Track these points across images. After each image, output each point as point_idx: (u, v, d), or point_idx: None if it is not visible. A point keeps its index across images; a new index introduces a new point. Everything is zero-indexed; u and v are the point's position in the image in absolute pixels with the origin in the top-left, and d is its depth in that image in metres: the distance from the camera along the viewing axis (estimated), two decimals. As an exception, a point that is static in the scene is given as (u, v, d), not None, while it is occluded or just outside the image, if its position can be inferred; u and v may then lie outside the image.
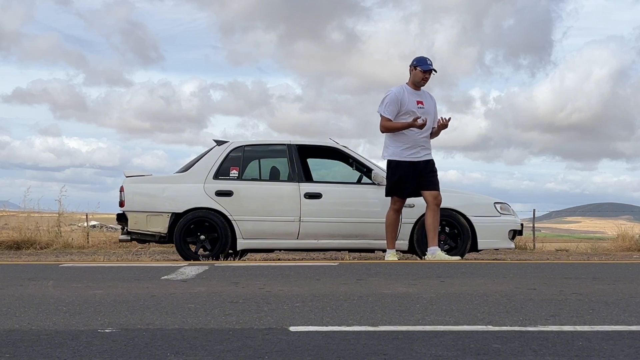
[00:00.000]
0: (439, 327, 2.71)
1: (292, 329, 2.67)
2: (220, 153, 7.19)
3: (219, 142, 7.33)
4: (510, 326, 2.73)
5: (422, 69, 6.44)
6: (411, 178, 6.43)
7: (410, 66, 6.51)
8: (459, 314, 3.01)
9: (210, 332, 2.62)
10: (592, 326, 2.74)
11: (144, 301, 3.43)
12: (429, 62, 6.47)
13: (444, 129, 6.60)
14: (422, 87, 6.55)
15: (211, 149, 7.33)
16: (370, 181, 7.16)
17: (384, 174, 7.19)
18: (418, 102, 6.46)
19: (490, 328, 2.69)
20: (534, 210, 16.27)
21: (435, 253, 6.34)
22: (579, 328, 2.70)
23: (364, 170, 7.30)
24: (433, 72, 6.49)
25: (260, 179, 7.25)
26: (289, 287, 3.98)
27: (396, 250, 6.69)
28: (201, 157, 7.31)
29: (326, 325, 2.74)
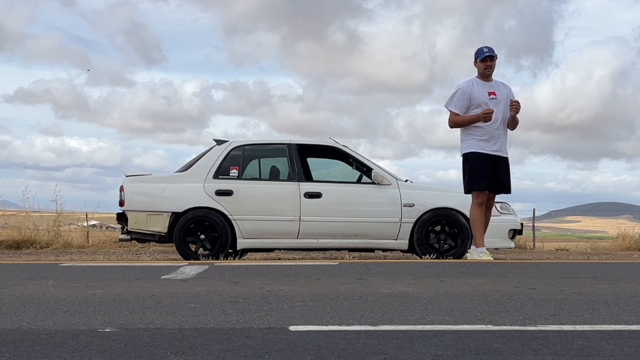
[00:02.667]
0: (438, 326, 2.71)
1: (292, 328, 2.67)
2: (220, 152, 7.19)
3: (219, 142, 7.33)
4: (510, 326, 2.73)
5: (480, 59, 6.33)
6: (488, 169, 6.25)
7: (474, 62, 6.41)
8: (458, 314, 3.01)
9: (210, 331, 2.62)
10: (592, 326, 2.74)
11: (144, 301, 3.43)
12: (485, 50, 6.33)
13: (516, 112, 6.29)
14: (493, 77, 6.39)
15: (211, 148, 7.33)
16: (370, 181, 7.17)
17: (384, 174, 7.19)
18: (490, 94, 6.29)
19: (490, 327, 2.69)
20: (534, 209, 16.28)
21: (480, 253, 6.28)
22: (579, 327, 2.70)
23: (364, 169, 7.30)
24: (494, 57, 6.32)
25: (260, 179, 7.25)
26: (289, 287, 3.98)
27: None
28: (201, 157, 7.30)
29: (326, 325, 2.74)
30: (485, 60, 6.31)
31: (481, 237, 6.30)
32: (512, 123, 6.41)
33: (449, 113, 6.41)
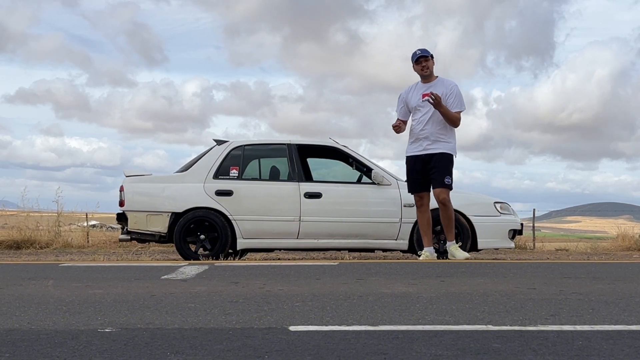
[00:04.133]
0: (438, 326, 2.71)
1: (292, 328, 2.66)
2: (220, 152, 7.19)
3: (219, 142, 7.33)
4: (510, 326, 2.73)
5: (414, 62, 6.39)
6: (417, 172, 6.36)
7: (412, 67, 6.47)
8: (458, 314, 3.01)
9: (210, 331, 2.62)
10: (592, 326, 2.74)
11: (144, 301, 3.43)
12: (417, 52, 6.38)
13: (437, 106, 6.15)
14: (434, 76, 6.40)
15: (211, 148, 7.33)
16: (370, 181, 7.17)
17: (384, 174, 7.20)
18: (424, 95, 6.31)
19: (490, 328, 2.69)
20: (534, 209, 16.29)
21: (427, 252, 6.36)
22: (578, 327, 2.70)
23: (364, 169, 7.30)
24: (428, 57, 6.33)
25: (260, 179, 7.25)
26: (288, 287, 3.98)
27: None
28: (201, 157, 7.31)
29: (326, 325, 2.73)
30: (420, 61, 6.37)
31: (424, 237, 6.43)
32: (447, 119, 6.26)
33: None
